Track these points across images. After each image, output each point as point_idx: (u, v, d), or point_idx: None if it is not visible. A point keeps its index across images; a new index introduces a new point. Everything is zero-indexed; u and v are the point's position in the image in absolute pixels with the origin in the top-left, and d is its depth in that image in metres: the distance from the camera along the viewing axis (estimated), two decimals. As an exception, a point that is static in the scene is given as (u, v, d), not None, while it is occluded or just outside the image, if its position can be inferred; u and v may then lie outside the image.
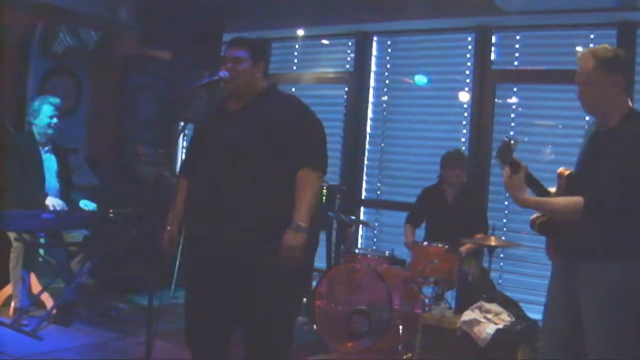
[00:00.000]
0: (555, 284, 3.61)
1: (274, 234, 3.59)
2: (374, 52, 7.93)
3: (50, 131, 6.00)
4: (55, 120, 6.01)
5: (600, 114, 3.49)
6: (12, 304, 5.87)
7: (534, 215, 3.76)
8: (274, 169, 3.64)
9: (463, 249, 5.88)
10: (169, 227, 3.93)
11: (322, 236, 6.84)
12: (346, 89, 8.06)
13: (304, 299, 6.02)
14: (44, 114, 5.98)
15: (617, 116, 3.40)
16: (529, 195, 3.43)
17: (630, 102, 3.46)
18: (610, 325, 3.29)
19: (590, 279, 3.34)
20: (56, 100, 6.10)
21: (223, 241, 3.61)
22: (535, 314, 5.40)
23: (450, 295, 6.05)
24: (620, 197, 3.24)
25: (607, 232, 3.31)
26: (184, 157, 4.21)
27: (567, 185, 3.56)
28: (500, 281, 6.76)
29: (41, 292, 5.93)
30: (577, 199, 3.30)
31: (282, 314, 3.75)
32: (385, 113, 7.87)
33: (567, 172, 3.62)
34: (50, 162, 6.07)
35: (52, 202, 5.79)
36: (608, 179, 3.26)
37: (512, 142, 3.47)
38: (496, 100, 7.02)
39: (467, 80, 7.24)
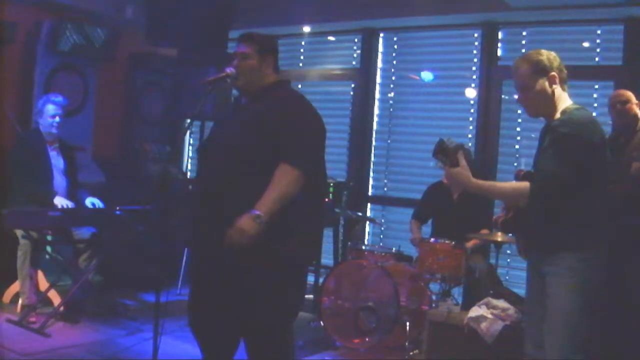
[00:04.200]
0: (529, 276, 3.77)
1: (266, 234, 3.49)
2: (381, 48, 7.94)
3: (54, 130, 6.03)
4: (58, 119, 6.03)
5: (543, 115, 3.66)
6: (20, 301, 5.89)
7: (497, 215, 3.91)
8: (267, 166, 3.55)
9: (469, 244, 5.87)
10: None
11: (329, 232, 6.86)
12: (352, 85, 8.06)
13: (304, 297, 6.01)
14: (47, 113, 6.01)
15: (556, 112, 3.56)
16: (477, 180, 3.56)
17: (567, 97, 3.60)
18: (562, 308, 3.44)
19: (553, 269, 3.49)
20: (59, 99, 6.11)
21: (217, 239, 3.56)
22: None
23: (457, 292, 6.03)
24: (561, 180, 3.38)
25: (564, 226, 3.46)
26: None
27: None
28: (507, 277, 6.75)
29: (48, 289, 5.95)
30: (524, 183, 3.52)
31: (278, 314, 3.70)
32: (391, 109, 7.87)
33: (523, 172, 3.82)
34: (57, 160, 6.09)
35: (60, 202, 5.81)
36: (549, 165, 3.43)
37: (445, 141, 3.60)
38: (503, 96, 7.01)
39: (474, 77, 7.23)
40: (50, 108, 6.02)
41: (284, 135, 3.58)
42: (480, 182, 3.59)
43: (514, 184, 3.67)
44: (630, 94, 5.19)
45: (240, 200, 3.53)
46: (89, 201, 6.10)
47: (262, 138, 3.58)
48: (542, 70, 3.54)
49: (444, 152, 3.53)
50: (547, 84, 3.54)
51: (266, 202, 3.47)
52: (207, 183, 3.71)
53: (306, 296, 6.54)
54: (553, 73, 3.54)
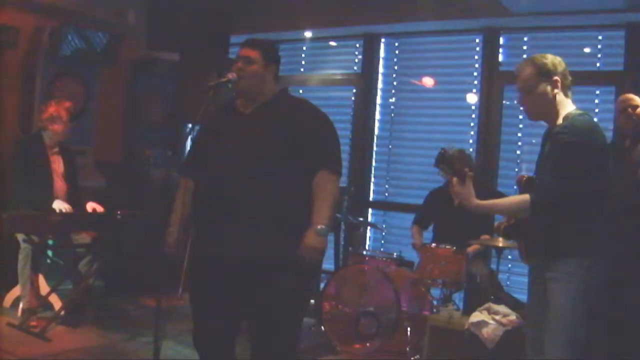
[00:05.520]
0: (531, 281, 3.79)
1: (289, 235, 3.59)
2: (382, 53, 7.93)
3: (65, 136, 6.06)
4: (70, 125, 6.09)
5: (544, 119, 3.67)
6: (21, 305, 5.89)
7: (498, 222, 3.93)
8: (289, 171, 3.62)
9: (470, 249, 5.86)
10: (171, 229, 3.92)
11: (330, 238, 6.84)
12: (354, 90, 8.06)
13: (311, 301, 6.01)
14: (61, 119, 6.00)
15: (560, 118, 3.55)
16: (478, 201, 3.57)
17: (570, 102, 3.60)
18: (563, 313, 3.45)
19: (554, 274, 3.49)
20: (70, 105, 6.16)
21: (238, 242, 3.59)
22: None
23: (458, 297, 6.04)
24: (561, 192, 3.38)
25: (566, 231, 3.47)
26: (186, 157, 4.22)
27: (523, 189, 3.74)
28: (508, 283, 6.73)
29: (49, 293, 5.95)
30: (525, 197, 3.49)
31: (289, 314, 3.74)
32: (392, 115, 7.87)
33: (525, 178, 3.83)
34: (57, 164, 6.10)
35: (59, 205, 5.80)
36: (549, 176, 3.43)
37: (447, 151, 3.63)
38: (504, 101, 7.00)
39: (475, 82, 7.23)
40: (65, 115, 6.04)
41: (314, 143, 3.68)
42: (481, 203, 3.59)
43: (514, 199, 3.67)
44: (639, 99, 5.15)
45: (262, 204, 3.59)
46: (89, 206, 6.09)
47: (286, 145, 3.62)
48: (545, 73, 3.54)
49: (446, 162, 3.57)
50: (549, 88, 3.54)
51: (322, 213, 3.61)
52: (222, 189, 3.68)
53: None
54: (556, 77, 3.53)
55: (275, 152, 3.62)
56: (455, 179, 3.56)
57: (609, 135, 5.15)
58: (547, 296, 3.51)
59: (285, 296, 3.64)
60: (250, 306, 3.70)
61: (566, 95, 3.58)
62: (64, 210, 5.76)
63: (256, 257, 3.58)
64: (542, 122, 3.71)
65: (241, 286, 3.66)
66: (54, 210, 5.73)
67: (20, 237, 5.77)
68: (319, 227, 3.57)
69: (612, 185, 3.68)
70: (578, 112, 3.54)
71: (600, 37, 6.58)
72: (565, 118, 3.51)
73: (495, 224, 4.09)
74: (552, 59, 3.58)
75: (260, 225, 3.58)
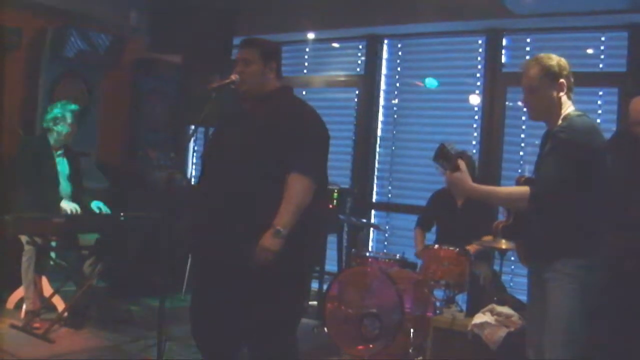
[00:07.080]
0: (530, 282, 3.83)
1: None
2: (385, 55, 7.95)
3: (71, 138, 6.07)
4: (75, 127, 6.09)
5: (545, 120, 3.68)
6: (24, 307, 5.89)
7: (497, 221, 3.93)
8: (272, 172, 3.58)
9: (470, 248, 5.82)
10: None
11: (333, 239, 6.85)
12: (357, 92, 8.08)
13: (313, 302, 6.01)
14: (67, 121, 6.01)
15: (559, 118, 3.57)
16: (475, 184, 3.59)
17: (571, 104, 3.61)
18: (562, 314, 3.47)
19: (553, 275, 3.51)
20: (76, 107, 6.16)
21: (219, 243, 3.60)
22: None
23: (461, 299, 6.02)
24: (561, 183, 3.39)
25: (564, 232, 3.49)
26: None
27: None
28: (511, 284, 6.74)
29: (53, 295, 5.94)
30: (524, 188, 3.50)
31: (279, 318, 3.70)
32: (395, 116, 7.87)
33: (524, 178, 3.85)
34: (62, 166, 6.10)
35: (67, 206, 5.81)
36: (549, 170, 3.45)
37: (446, 146, 3.59)
38: (507, 103, 7.00)
39: (478, 83, 7.24)
40: (70, 116, 6.04)
41: (292, 144, 3.60)
42: (479, 186, 3.60)
43: (513, 188, 3.70)
44: None
45: (247, 206, 3.57)
46: (95, 205, 6.09)
47: (269, 145, 3.60)
48: (551, 75, 3.56)
49: (445, 157, 3.54)
50: (554, 90, 3.55)
51: (284, 215, 3.53)
52: (213, 189, 3.71)
53: (310, 302, 6.56)
54: (562, 80, 3.55)
55: (260, 150, 3.61)
56: (448, 172, 3.56)
57: (610, 136, 5.12)
58: (547, 296, 3.52)
59: (273, 296, 3.61)
60: (239, 309, 3.69)
61: (569, 97, 3.61)
62: (72, 211, 5.78)
63: (232, 261, 3.57)
64: (543, 122, 3.72)
65: (227, 288, 3.66)
66: (62, 211, 5.74)
67: (23, 238, 5.77)
68: (276, 228, 3.50)
69: (629, 193, 3.67)
70: (577, 112, 3.55)
71: (603, 39, 6.59)
72: (565, 118, 3.53)
73: (495, 223, 4.08)
74: (558, 61, 3.59)
75: (236, 227, 3.56)
